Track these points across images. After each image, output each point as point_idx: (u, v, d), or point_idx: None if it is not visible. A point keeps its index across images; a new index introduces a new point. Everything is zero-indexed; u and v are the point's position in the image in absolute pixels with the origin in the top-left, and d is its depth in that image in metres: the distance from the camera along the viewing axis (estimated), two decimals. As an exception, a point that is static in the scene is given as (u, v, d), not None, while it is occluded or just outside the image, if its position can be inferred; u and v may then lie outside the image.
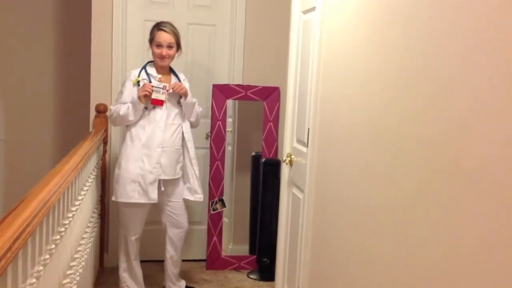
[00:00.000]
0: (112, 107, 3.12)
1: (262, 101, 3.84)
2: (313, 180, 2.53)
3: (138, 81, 3.08)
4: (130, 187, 3.02)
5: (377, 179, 1.76)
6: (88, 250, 2.78)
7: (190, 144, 3.20)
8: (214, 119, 3.78)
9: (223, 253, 3.92)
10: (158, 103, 3.02)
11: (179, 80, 3.21)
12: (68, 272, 2.12)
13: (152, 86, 3.01)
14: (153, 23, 3.20)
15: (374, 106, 1.81)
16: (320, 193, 2.44)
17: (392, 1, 1.69)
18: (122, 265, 3.19)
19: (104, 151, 3.58)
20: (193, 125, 3.29)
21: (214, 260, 3.86)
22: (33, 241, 1.51)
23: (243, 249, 3.98)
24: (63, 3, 4.40)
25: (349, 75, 2.08)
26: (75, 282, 2.25)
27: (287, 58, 3.10)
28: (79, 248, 2.44)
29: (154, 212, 3.26)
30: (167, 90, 3.04)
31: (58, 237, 1.84)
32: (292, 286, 2.89)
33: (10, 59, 4.36)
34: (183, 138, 3.19)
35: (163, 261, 3.34)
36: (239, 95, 3.81)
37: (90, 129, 3.55)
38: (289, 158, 2.94)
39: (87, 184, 2.70)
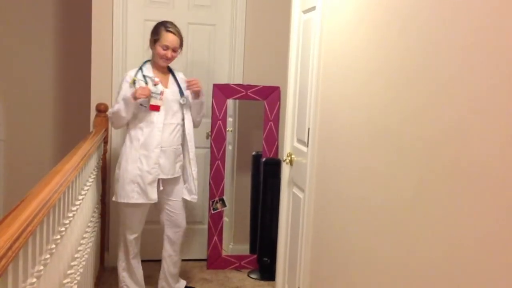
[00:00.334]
0: (110, 110, 3.13)
1: (262, 101, 3.84)
2: (314, 179, 2.53)
3: (134, 81, 3.06)
4: (129, 187, 3.02)
5: (377, 179, 1.76)
6: (88, 249, 2.78)
7: (191, 144, 3.19)
8: (214, 118, 3.78)
9: (224, 253, 3.92)
10: (155, 108, 3.03)
11: (176, 79, 3.20)
12: (69, 271, 2.12)
13: (151, 92, 3.00)
14: (153, 23, 3.18)
15: (374, 106, 1.81)
16: (320, 193, 2.44)
17: (392, 1, 1.70)
18: (121, 264, 3.19)
19: (105, 151, 3.58)
20: (195, 125, 3.29)
21: (215, 260, 3.87)
22: (34, 241, 1.51)
23: (244, 248, 3.98)
24: (63, 3, 4.40)
25: (349, 75, 2.08)
26: (75, 281, 2.25)
27: (287, 57, 3.11)
28: (79, 248, 2.44)
29: (154, 212, 3.26)
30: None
31: (58, 236, 1.84)
32: (292, 285, 2.90)
33: (10, 59, 4.36)
34: (183, 137, 3.19)
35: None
36: (240, 95, 3.81)
37: (91, 129, 3.56)
38: (289, 158, 2.95)
39: (88, 183, 2.70)
